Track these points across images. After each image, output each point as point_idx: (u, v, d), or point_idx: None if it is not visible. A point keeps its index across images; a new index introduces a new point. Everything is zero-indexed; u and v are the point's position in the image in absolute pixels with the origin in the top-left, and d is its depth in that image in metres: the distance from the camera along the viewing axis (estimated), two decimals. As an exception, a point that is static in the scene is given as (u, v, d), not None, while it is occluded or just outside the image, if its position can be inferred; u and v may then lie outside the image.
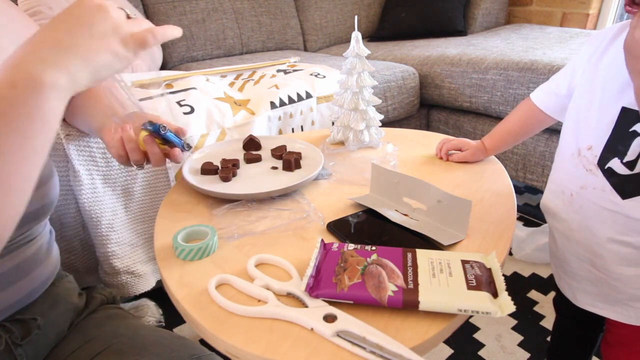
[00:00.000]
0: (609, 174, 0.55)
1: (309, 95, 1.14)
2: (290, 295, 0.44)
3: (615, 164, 0.54)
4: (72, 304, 0.58)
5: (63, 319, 0.56)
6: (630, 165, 0.53)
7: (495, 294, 0.41)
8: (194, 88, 1.05)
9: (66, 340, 0.56)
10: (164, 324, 1.07)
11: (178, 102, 0.97)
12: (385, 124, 1.44)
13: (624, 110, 0.52)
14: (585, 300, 0.64)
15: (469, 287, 0.42)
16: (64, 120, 0.86)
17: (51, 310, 0.55)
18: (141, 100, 0.96)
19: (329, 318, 0.40)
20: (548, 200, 0.67)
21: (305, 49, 2.05)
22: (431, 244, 0.52)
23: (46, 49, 0.35)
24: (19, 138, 0.33)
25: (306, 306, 0.42)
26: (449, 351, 1.03)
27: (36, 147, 0.34)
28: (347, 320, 0.40)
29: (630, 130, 0.52)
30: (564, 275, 0.68)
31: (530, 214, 1.56)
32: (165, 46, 1.64)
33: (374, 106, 0.82)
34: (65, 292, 0.59)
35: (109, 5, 0.39)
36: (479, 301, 0.40)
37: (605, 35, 0.58)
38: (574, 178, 0.59)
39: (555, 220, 0.65)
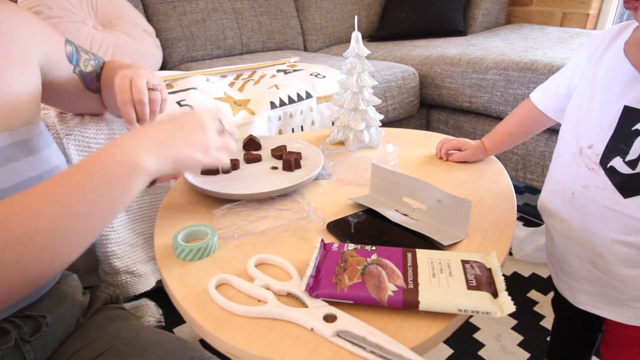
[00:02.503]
0: (611, 173, 0.55)
1: (309, 95, 1.14)
2: (290, 295, 0.44)
3: (617, 163, 0.54)
4: (78, 302, 0.59)
5: (70, 316, 0.57)
6: (632, 164, 0.53)
7: (495, 294, 0.41)
8: (194, 88, 1.05)
9: (68, 341, 0.56)
10: (164, 324, 1.07)
11: (178, 102, 0.98)
12: (385, 124, 1.44)
13: (626, 109, 0.53)
14: (585, 301, 0.64)
15: (469, 287, 0.42)
16: (62, 118, 0.86)
17: (58, 307, 0.56)
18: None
19: (329, 318, 0.40)
20: (546, 200, 0.66)
21: (305, 49, 2.05)
22: (431, 244, 0.52)
23: (150, 142, 0.45)
24: (109, 204, 0.41)
25: (306, 306, 0.42)
26: (449, 351, 1.03)
27: (115, 212, 0.43)
28: (347, 320, 0.40)
29: (633, 129, 0.52)
30: (562, 275, 0.67)
31: (530, 214, 1.56)
32: (165, 46, 1.64)
33: (374, 106, 0.82)
34: (71, 289, 0.60)
35: (210, 127, 0.50)
36: (479, 301, 0.40)
37: (604, 36, 0.58)
38: (576, 177, 0.59)
39: (554, 220, 0.65)
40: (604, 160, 0.55)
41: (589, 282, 0.62)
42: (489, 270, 0.44)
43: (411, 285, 0.42)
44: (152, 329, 0.58)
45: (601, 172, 0.56)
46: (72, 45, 0.66)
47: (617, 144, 0.54)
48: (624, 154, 0.53)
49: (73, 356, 0.53)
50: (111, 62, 0.74)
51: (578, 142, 0.59)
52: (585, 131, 0.58)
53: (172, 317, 1.09)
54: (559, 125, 0.66)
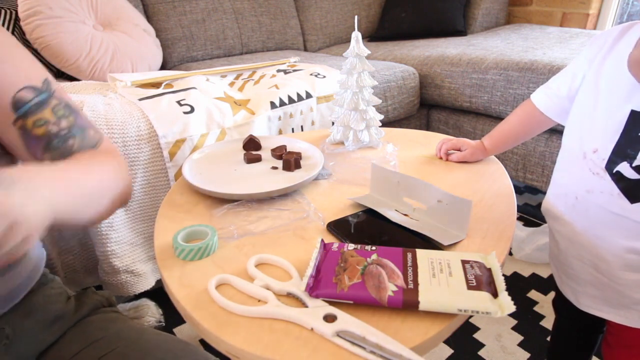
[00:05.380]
0: (617, 178, 0.54)
1: (309, 95, 1.14)
2: (290, 295, 0.44)
3: (624, 168, 0.53)
4: (53, 312, 0.56)
5: (40, 328, 0.54)
6: None
7: (495, 294, 0.41)
8: (194, 88, 1.05)
9: (68, 342, 0.55)
10: (163, 324, 1.07)
11: (178, 102, 0.97)
12: (385, 124, 1.44)
13: (633, 114, 0.52)
14: (588, 304, 0.64)
15: (469, 287, 0.42)
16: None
17: (25, 319, 0.53)
18: (141, 100, 0.96)
19: (329, 318, 0.40)
20: (550, 204, 0.66)
21: (305, 49, 2.05)
22: (431, 244, 0.52)
23: None
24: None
25: (306, 306, 0.42)
26: (449, 351, 1.03)
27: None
28: (347, 320, 0.40)
29: None
30: (566, 278, 0.67)
31: (530, 214, 1.56)
32: (165, 46, 1.64)
33: (374, 106, 0.82)
34: (45, 299, 0.56)
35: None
36: (479, 301, 0.40)
37: (606, 37, 0.58)
38: (580, 181, 0.59)
39: (558, 224, 0.65)
40: (610, 165, 0.54)
41: (592, 286, 0.62)
42: (489, 270, 0.44)
43: (411, 285, 0.42)
44: (153, 331, 0.57)
45: (607, 177, 0.55)
46: (41, 96, 0.48)
47: (624, 149, 0.53)
48: (631, 159, 0.52)
49: (75, 357, 0.53)
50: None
51: (581, 146, 0.58)
52: (589, 135, 0.57)
53: (172, 317, 1.09)
54: (559, 125, 0.66)
